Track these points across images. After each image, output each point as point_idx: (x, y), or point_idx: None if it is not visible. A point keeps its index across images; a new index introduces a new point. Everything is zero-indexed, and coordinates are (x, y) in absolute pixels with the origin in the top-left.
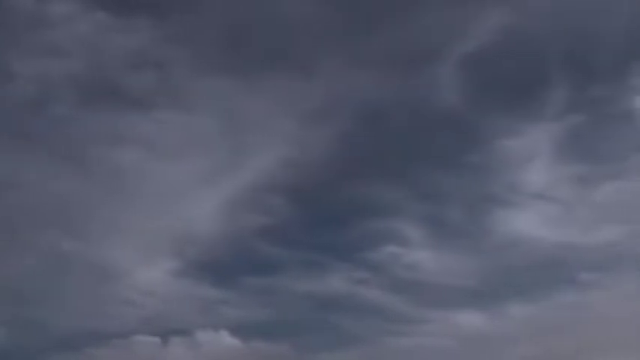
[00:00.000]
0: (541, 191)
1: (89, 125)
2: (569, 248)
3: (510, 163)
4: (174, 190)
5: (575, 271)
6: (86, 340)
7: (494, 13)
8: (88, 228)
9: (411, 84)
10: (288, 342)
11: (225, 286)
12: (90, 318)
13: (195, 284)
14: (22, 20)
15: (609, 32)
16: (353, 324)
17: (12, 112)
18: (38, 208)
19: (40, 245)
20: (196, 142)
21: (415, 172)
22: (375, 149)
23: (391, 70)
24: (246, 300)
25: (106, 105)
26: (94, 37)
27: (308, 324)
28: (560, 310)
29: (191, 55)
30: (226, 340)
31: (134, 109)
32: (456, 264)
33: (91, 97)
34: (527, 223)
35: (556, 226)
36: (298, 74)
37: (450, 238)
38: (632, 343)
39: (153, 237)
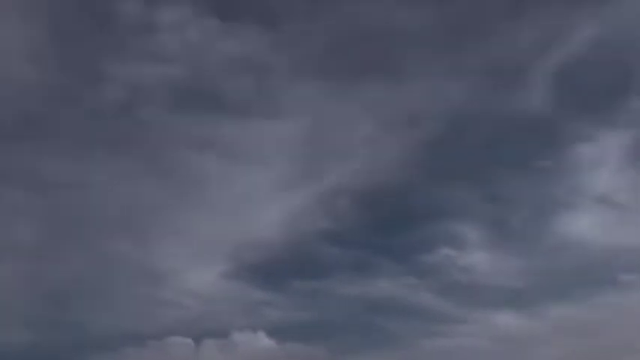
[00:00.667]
0: (604, 195)
1: (177, 130)
2: (616, 250)
3: (579, 168)
4: (246, 196)
5: (616, 273)
6: (121, 340)
7: (584, 25)
8: (148, 231)
9: (499, 93)
10: (323, 343)
11: (272, 288)
12: (128, 319)
13: (242, 286)
14: (127, 25)
15: None
16: (393, 326)
17: (102, 116)
18: (103, 211)
19: (96, 247)
20: (279, 147)
21: (486, 176)
22: (452, 156)
23: (482, 80)
24: (290, 302)
25: (199, 110)
26: (200, 43)
27: (347, 326)
28: (598, 311)
29: (290, 62)
30: (262, 341)
31: (226, 114)
32: (507, 266)
33: (186, 102)
34: (584, 227)
35: (610, 230)
36: (390, 81)
37: (507, 240)
38: None
39: (212, 241)
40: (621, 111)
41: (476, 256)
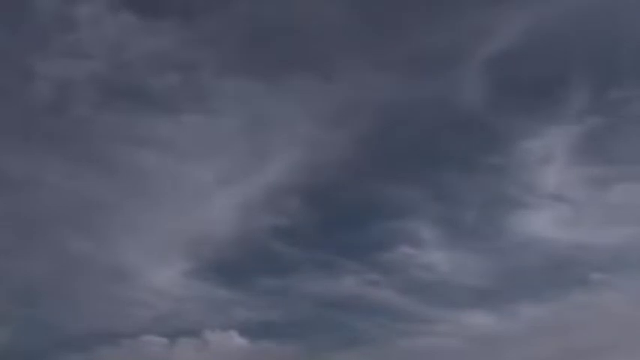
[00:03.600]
0: (556, 192)
1: (111, 126)
2: (581, 249)
3: (527, 165)
4: (193, 192)
5: (586, 272)
6: (94, 340)
7: (518, 16)
8: (104, 228)
9: (433, 86)
10: (296, 342)
11: (237, 286)
12: (100, 318)
13: (207, 285)
14: (47, 22)
15: (630, 35)
16: (363, 324)
17: (34, 113)
18: (56, 209)
19: (54, 245)
20: (217, 143)
21: (433, 174)
22: (394, 151)
23: (413, 72)
24: (257, 300)
25: (129, 106)
26: (118, 39)
27: (317, 324)
28: (571, 310)
29: (215, 58)
30: (235, 340)
31: (157, 110)
32: (469, 264)
33: (114, 99)
34: (541, 224)
35: (569, 227)
36: (320, 76)
37: (464, 238)
38: None
39: (168, 238)
40: (565, 105)
41: (435, 255)
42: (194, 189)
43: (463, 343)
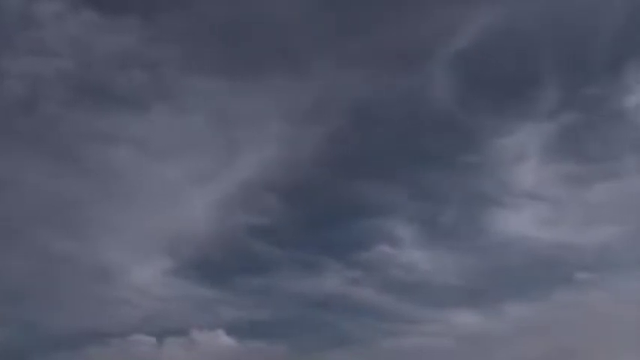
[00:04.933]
0: (533, 191)
1: (81, 124)
2: (564, 248)
3: (503, 163)
4: (168, 190)
5: (570, 271)
6: (82, 339)
7: (486, 12)
8: (83, 227)
9: (403, 83)
10: (283, 342)
11: (220, 285)
12: (85, 317)
13: (190, 284)
14: (11, 20)
15: (602, 31)
16: (349, 324)
17: (2, 111)
18: (31, 208)
19: (33, 245)
20: (188, 141)
21: (408, 172)
22: (367, 148)
23: (383, 69)
24: (242, 299)
25: (97, 104)
26: (82, 37)
27: (303, 324)
28: (557, 309)
29: (181, 55)
30: (222, 339)
31: (125, 108)
32: (449, 264)
33: (81, 97)
34: (520, 223)
35: (549, 226)
36: (290, 73)
37: (443, 237)
38: (628, 342)
39: (147, 236)
40: (539, 102)
41: (414, 254)
42: (167, 187)
43: (449, 343)
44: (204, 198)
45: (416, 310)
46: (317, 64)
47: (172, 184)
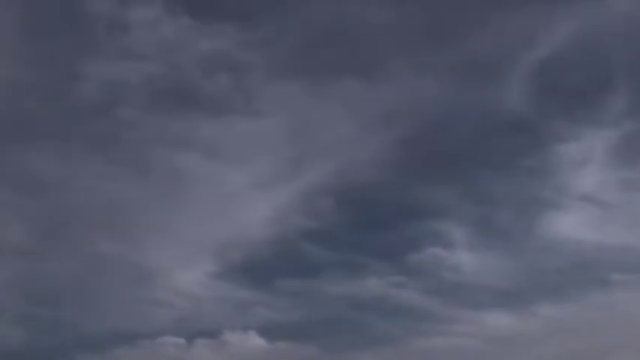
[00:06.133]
0: (588, 194)
1: (154, 129)
2: (604, 250)
3: (563, 167)
4: (228, 194)
5: (607, 272)
6: (111, 340)
7: (562, 22)
8: (133, 230)
9: (476, 91)
10: (314, 342)
11: (260, 288)
12: (117, 319)
13: (230, 286)
14: (100, 24)
15: None
16: (383, 325)
17: (78, 115)
18: (89, 210)
19: (82, 247)
20: (260, 146)
21: (470, 176)
22: (433, 153)
23: (457, 76)
24: (279, 302)
25: (176, 108)
26: (174, 41)
27: (337, 325)
28: (590, 310)
29: (266, 60)
30: (253, 340)
31: (204, 112)
32: (495, 265)
33: (162, 101)
34: (570, 225)
35: (594, 228)
36: (367, 80)
37: (494, 240)
38: None
39: (197, 240)
40: (604, 109)
41: (463, 256)
42: (230, 191)
43: (482, 343)
44: (264, 203)
45: (451, 311)
46: (392, 69)
47: (235, 189)
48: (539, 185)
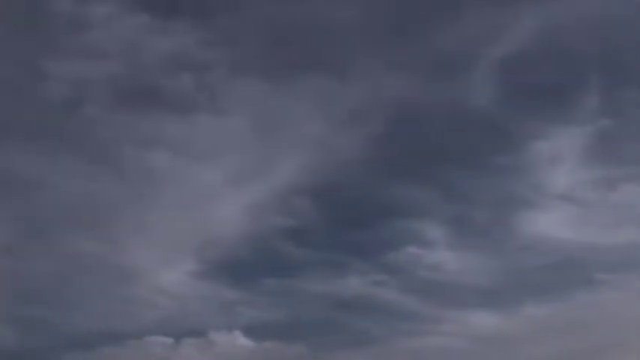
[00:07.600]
0: (565, 193)
1: (121, 127)
2: (587, 249)
3: (537, 165)
4: (203, 192)
5: (591, 272)
6: (98, 340)
7: (529, 18)
8: (112, 229)
9: (445, 87)
10: (301, 342)
11: (243, 287)
12: (103, 318)
13: (213, 285)
14: (60, 22)
15: None
16: (368, 324)
17: (46, 113)
18: (64, 209)
19: (62, 246)
20: (228, 144)
21: (443, 174)
22: (405, 151)
23: (425, 73)
24: (263, 301)
25: (142, 107)
26: (133, 40)
27: (323, 324)
28: (575, 310)
29: (229, 58)
30: (239, 340)
31: (169, 111)
32: (475, 264)
33: (127, 99)
34: (549, 224)
35: (576, 227)
36: (333, 77)
37: (472, 238)
38: None
39: (176, 239)
40: (577, 107)
41: (442, 255)
42: (202, 190)
43: (467, 343)
44: (238, 201)
45: (435, 311)
46: (360, 67)
47: (207, 187)
48: (514, 183)
